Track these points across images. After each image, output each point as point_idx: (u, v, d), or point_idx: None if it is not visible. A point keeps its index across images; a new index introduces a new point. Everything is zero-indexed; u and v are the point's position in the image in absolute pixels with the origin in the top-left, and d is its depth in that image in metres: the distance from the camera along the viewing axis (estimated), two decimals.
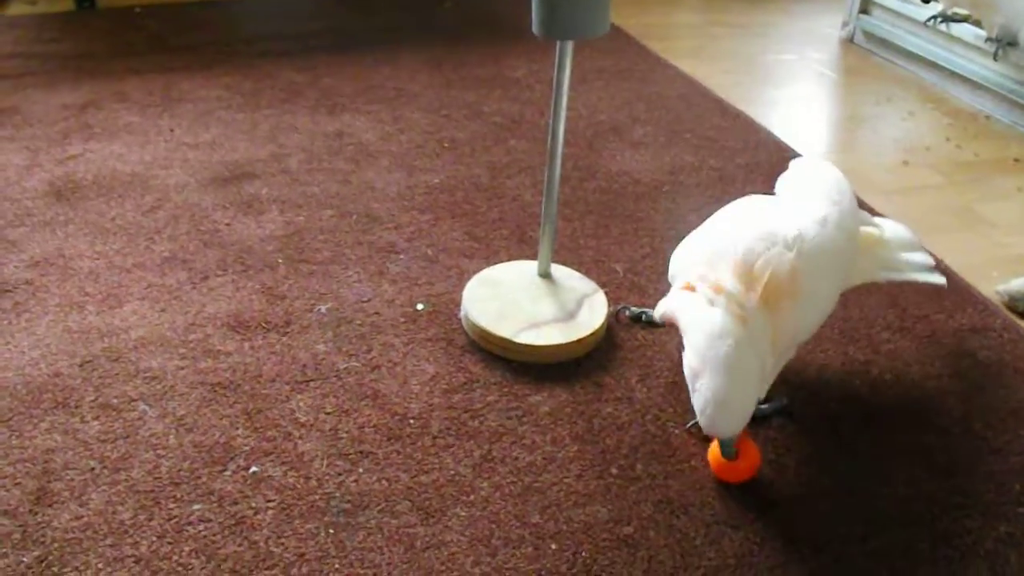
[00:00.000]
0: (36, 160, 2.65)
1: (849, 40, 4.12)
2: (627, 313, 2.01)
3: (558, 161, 1.91)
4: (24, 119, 2.92)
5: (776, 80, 3.70)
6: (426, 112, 3.05)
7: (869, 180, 2.78)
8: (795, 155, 2.83)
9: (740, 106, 3.22)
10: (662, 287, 2.13)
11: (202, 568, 1.45)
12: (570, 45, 1.77)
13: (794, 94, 3.56)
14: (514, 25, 3.97)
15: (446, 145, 2.82)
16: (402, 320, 2.02)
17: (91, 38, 3.68)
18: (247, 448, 1.66)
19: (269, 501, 1.56)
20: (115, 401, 1.77)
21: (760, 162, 2.78)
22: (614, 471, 1.65)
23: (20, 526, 1.50)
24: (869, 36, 4.00)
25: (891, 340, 2.04)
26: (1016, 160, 3.01)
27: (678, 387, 1.84)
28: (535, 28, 1.71)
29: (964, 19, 3.53)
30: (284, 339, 1.95)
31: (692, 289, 1.58)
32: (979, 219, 2.64)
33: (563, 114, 1.85)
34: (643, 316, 2.02)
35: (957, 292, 2.22)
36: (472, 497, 1.59)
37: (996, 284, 2.28)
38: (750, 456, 1.63)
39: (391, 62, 3.48)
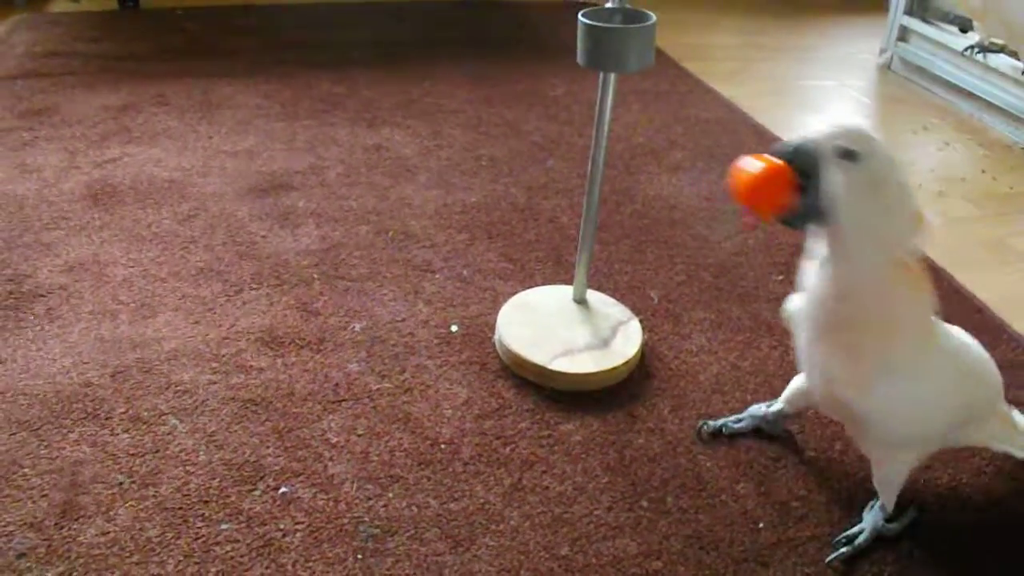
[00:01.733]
0: (74, 162, 2.67)
1: (887, 67, 4.10)
2: (706, 429, 1.84)
3: (597, 189, 1.90)
4: (63, 119, 2.94)
5: (813, 106, 3.68)
6: (465, 128, 3.05)
7: None
8: None
9: (777, 131, 3.21)
10: (696, 315, 2.13)
11: None
12: (613, 76, 1.76)
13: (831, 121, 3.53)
14: (555, 41, 3.97)
15: (484, 163, 2.81)
16: (436, 342, 2.01)
17: (132, 38, 3.70)
18: (277, 468, 1.66)
19: (298, 523, 1.56)
20: (146, 414, 1.77)
21: None
22: (644, 504, 1.64)
23: (45, 540, 1.50)
24: (907, 64, 3.98)
25: None
26: None
27: (710, 419, 1.83)
28: (580, 59, 1.70)
29: (1000, 49, 3.51)
30: (317, 357, 1.94)
31: None
32: (1014, 253, 2.61)
33: (604, 143, 1.84)
34: (723, 428, 1.83)
35: (990, 328, 2.19)
36: (501, 526, 1.58)
37: None
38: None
39: (430, 75, 3.48)
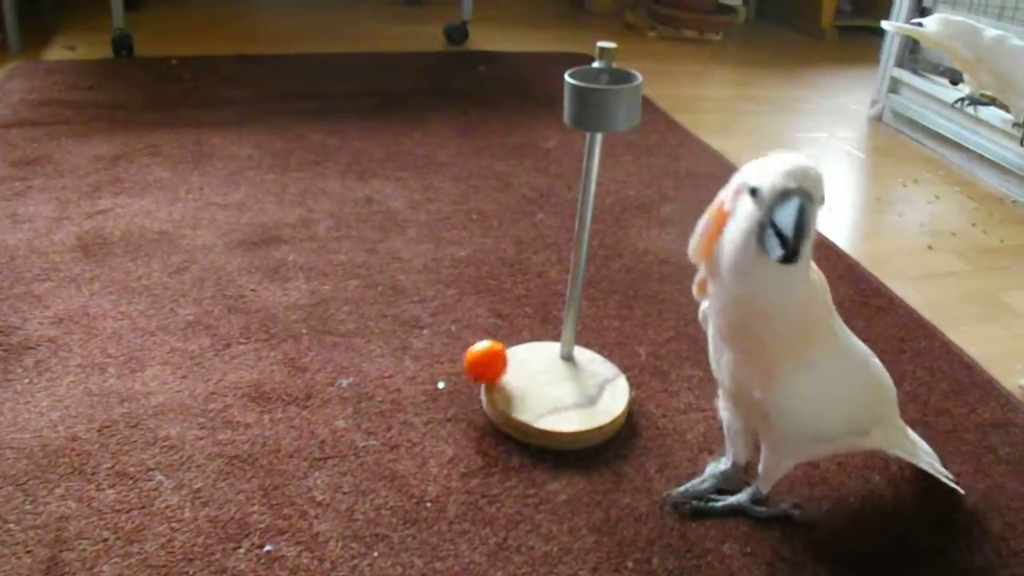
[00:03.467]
0: (65, 212, 2.67)
1: (878, 119, 4.13)
2: (687, 506, 1.76)
3: (584, 247, 1.91)
4: (56, 169, 2.95)
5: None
6: (455, 181, 3.06)
7: (893, 265, 2.77)
8: (820, 239, 2.83)
9: None
10: (685, 372, 2.13)
11: None
12: (600, 136, 1.78)
13: (823, 174, 3.55)
14: (546, 93, 3.99)
15: (474, 217, 2.82)
16: (423, 398, 2.02)
17: (126, 87, 3.72)
18: (262, 525, 1.66)
19: None
20: (132, 469, 1.76)
21: None
22: (630, 564, 1.64)
23: None
24: (898, 116, 4.01)
25: None
26: None
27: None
28: (566, 119, 1.71)
29: (991, 102, 3.54)
30: (304, 413, 1.94)
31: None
32: (1004, 309, 2.63)
33: (591, 201, 1.85)
34: (706, 501, 1.78)
35: (980, 385, 2.20)
36: None
37: (1020, 378, 2.26)
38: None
39: (421, 127, 3.50)
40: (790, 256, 1.32)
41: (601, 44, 1.71)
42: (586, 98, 1.66)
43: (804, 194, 1.31)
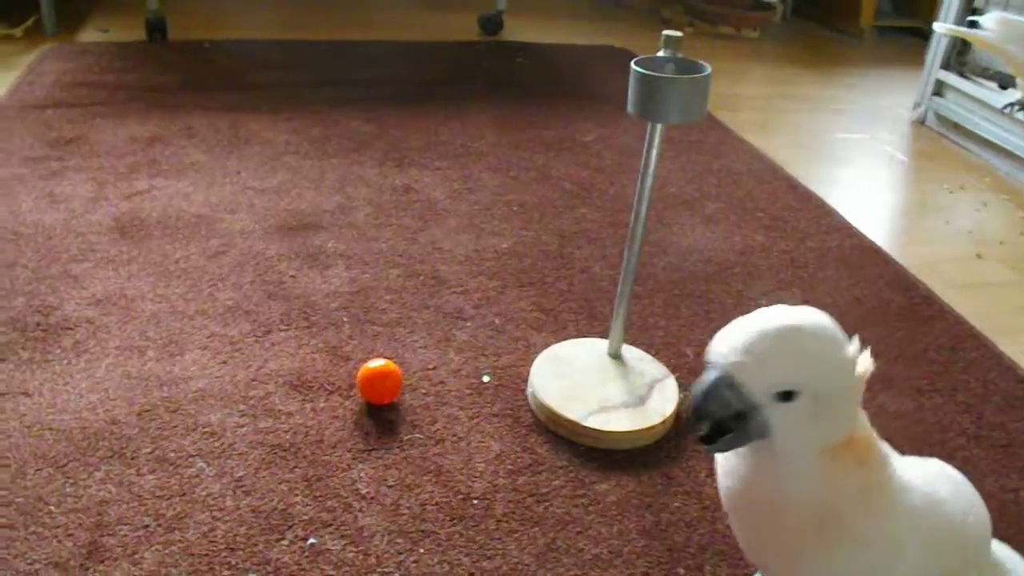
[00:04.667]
0: (102, 193, 2.64)
1: (920, 122, 4.08)
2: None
3: (638, 241, 1.87)
4: (92, 149, 2.92)
5: (846, 160, 3.66)
6: (494, 172, 3.03)
7: (940, 272, 2.72)
8: (867, 242, 2.78)
9: (809, 185, 3.18)
10: None
11: None
12: (661, 127, 1.73)
13: (864, 176, 3.51)
14: (583, 85, 3.95)
15: (515, 208, 2.78)
16: (467, 392, 1.98)
17: (160, 70, 3.70)
18: (306, 517, 1.62)
19: None
20: (172, 455, 1.73)
21: (831, 247, 2.73)
22: (681, 571, 1.60)
23: None
24: (942, 119, 3.95)
25: (966, 447, 1.98)
26: None
27: None
28: (630, 108, 1.67)
29: None
30: (347, 403, 1.91)
31: None
32: None
33: (648, 195, 1.81)
34: None
35: None
36: None
37: None
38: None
39: (459, 117, 3.47)
40: (703, 439, 1.10)
41: (667, 33, 1.66)
42: (655, 87, 1.62)
43: (721, 369, 1.07)
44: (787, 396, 1.05)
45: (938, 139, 3.92)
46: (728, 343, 1.07)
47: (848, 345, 1.11)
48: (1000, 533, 1.73)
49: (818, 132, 3.94)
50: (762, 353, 1.05)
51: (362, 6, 5.11)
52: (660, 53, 1.67)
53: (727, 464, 1.20)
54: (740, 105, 4.13)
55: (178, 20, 4.28)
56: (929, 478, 1.25)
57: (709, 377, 1.06)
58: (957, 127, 3.85)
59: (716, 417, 1.06)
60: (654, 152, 1.76)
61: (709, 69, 1.64)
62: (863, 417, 1.16)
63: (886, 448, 1.20)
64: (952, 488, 1.28)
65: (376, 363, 1.91)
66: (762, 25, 5.45)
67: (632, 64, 1.63)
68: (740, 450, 1.16)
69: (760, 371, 1.05)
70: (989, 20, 3.26)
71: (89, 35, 4.18)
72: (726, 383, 1.05)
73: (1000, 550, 1.39)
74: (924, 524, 1.19)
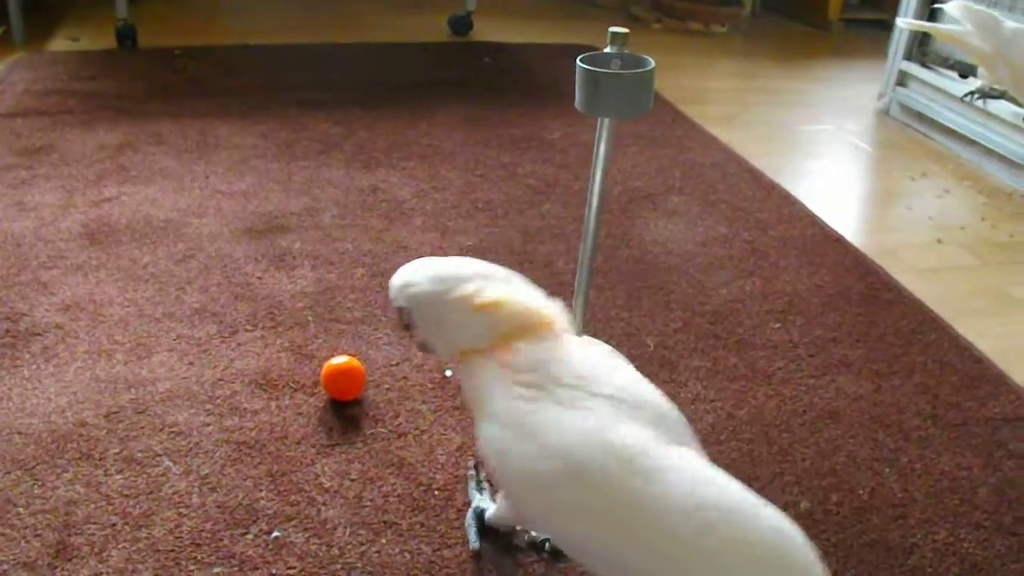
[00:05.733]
0: (71, 200, 2.67)
1: (885, 112, 4.11)
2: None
3: (593, 236, 1.89)
4: (61, 158, 2.95)
5: (810, 151, 3.70)
6: (461, 171, 3.06)
7: (901, 258, 2.76)
8: (829, 231, 2.82)
9: (774, 177, 3.21)
10: (692, 363, 2.13)
11: None
12: (610, 122, 1.76)
13: (828, 166, 3.55)
14: (551, 84, 3.98)
15: (480, 206, 2.81)
16: (430, 386, 2.01)
17: (130, 77, 3.72)
18: (270, 511, 1.65)
19: (290, 568, 1.55)
20: (139, 455, 1.76)
21: (794, 236, 2.77)
22: None
23: None
24: (905, 109, 3.99)
25: (922, 427, 2.01)
26: None
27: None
28: (577, 105, 1.70)
29: (1001, 95, 3.51)
30: (311, 400, 1.94)
31: None
32: (1014, 303, 2.61)
33: (600, 189, 1.83)
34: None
35: (990, 380, 2.19)
36: (495, 575, 1.57)
37: None
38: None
39: (426, 117, 3.49)
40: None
41: (613, 29, 1.69)
42: (598, 83, 1.65)
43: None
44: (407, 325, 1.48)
45: (902, 128, 3.96)
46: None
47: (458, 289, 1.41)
48: (954, 510, 1.78)
49: (785, 124, 3.98)
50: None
51: (332, 9, 5.13)
52: (606, 49, 1.70)
53: None
54: (707, 99, 4.16)
55: (149, 27, 4.29)
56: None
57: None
58: (920, 116, 3.89)
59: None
60: (602, 147, 1.78)
61: (652, 64, 1.66)
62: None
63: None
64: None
65: (339, 360, 1.95)
66: (731, 20, 5.48)
67: (577, 60, 1.66)
68: None
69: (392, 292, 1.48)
70: (952, 8, 3.29)
71: (59, 44, 4.20)
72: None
73: None
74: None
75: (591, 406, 1.27)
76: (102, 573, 1.52)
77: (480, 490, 1.70)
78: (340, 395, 1.95)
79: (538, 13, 5.46)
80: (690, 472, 1.21)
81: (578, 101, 1.69)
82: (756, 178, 3.19)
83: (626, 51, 1.70)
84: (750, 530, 1.16)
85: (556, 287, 2.37)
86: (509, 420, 1.29)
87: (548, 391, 1.30)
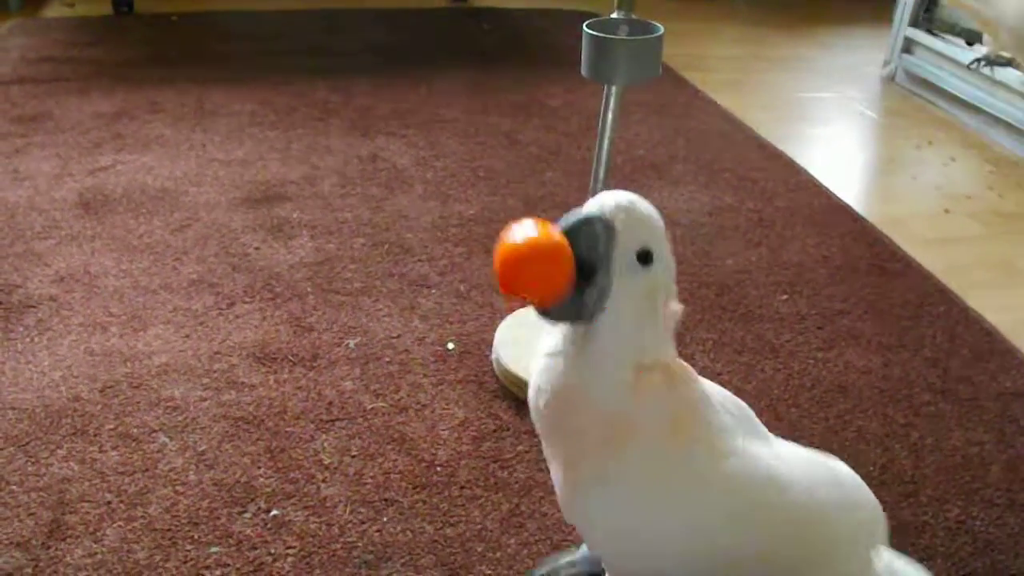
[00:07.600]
0: (67, 169, 2.63)
1: (890, 79, 4.06)
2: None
3: None
4: (57, 125, 2.91)
5: (815, 118, 3.65)
6: (461, 139, 3.01)
7: (908, 228, 2.72)
8: (835, 200, 2.78)
9: (779, 145, 3.17)
10: (698, 335, 2.09)
11: None
12: (616, 89, 1.72)
13: (833, 134, 3.51)
14: (551, 50, 3.93)
15: (481, 174, 2.77)
16: (432, 359, 1.97)
17: (127, 44, 3.67)
18: (269, 489, 1.62)
19: (289, 548, 1.52)
20: (135, 431, 1.73)
21: (800, 206, 2.73)
22: None
23: (32, 560, 1.46)
24: (911, 76, 3.94)
25: (932, 402, 1.98)
26: None
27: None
28: (584, 70, 1.66)
29: (1008, 63, 3.46)
30: (311, 374, 1.90)
31: None
32: (1022, 275, 2.57)
33: (606, 158, 1.80)
34: None
35: (1001, 353, 2.15)
36: (499, 554, 1.54)
37: None
38: None
39: (426, 84, 3.45)
40: (541, 311, 1.06)
41: None
42: (606, 49, 1.60)
43: (602, 212, 1.03)
44: (646, 258, 1.05)
45: (907, 96, 3.91)
46: (608, 200, 1.04)
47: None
48: (965, 487, 1.74)
49: (789, 92, 3.93)
50: (640, 212, 1.05)
51: None
52: (614, 14, 1.66)
53: (545, 362, 1.14)
54: (711, 66, 4.11)
55: None
56: (793, 461, 1.20)
57: (589, 210, 1.04)
58: (926, 83, 3.84)
59: (577, 252, 1.00)
60: (610, 114, 1.75)
61: (662, 29, 1.62)
62: (691, 372, 1.17)
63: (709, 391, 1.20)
64: (822, 479, 1.22)
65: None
66: None
67: (584, 26, 1.62)
68: (559, 348, 1.11)
69: (635, 225, 1.04)
70: None
71: (55, 10, 4.15)
72: (604, 223, 1.02)
73: (895, 563, 1.27)
74: (734, 486, 1.12)
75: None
76: (97, 552, 1.48)
77: None
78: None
79: None
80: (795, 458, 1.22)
81: (585, 68, 1.65)
82: (761, 146, 3.15)
83: (633, 15, 1.66)
84: (846, 486, 1.25)
85: None
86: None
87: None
